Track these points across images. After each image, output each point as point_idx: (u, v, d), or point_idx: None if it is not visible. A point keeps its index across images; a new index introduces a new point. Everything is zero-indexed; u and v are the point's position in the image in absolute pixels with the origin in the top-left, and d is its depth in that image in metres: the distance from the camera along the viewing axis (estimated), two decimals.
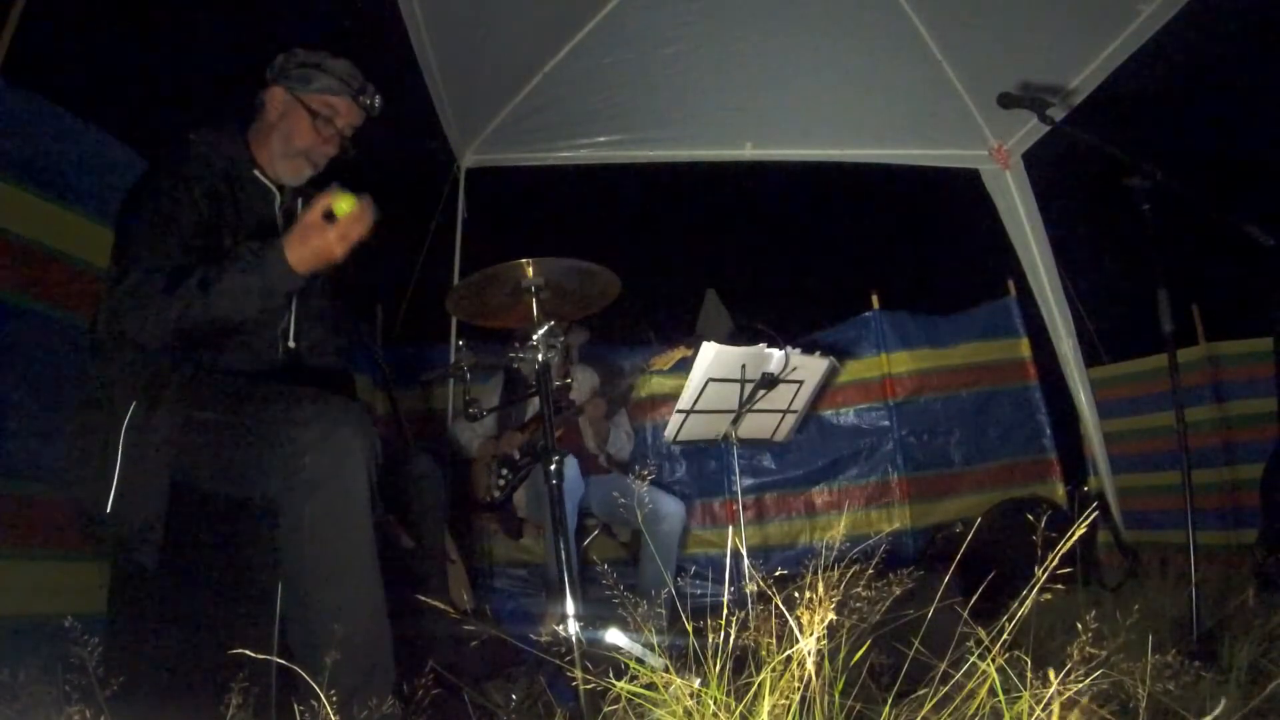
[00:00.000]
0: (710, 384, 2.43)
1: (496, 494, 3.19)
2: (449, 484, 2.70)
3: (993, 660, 1.05)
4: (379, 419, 3.39)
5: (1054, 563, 1.08)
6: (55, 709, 1.16)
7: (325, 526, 1.46)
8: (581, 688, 1.34)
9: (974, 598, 1.25)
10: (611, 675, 1.19)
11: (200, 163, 1.77)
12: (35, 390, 2.00)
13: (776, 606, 1.13)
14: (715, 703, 1.11)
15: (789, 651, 1.07)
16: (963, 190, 4.27)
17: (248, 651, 1.19)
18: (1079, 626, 1.07)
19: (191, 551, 1.66)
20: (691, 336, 4.08)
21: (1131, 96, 3.72)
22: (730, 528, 4.03)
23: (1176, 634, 1.89)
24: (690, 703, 1.11)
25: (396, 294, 4.04)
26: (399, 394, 3.01)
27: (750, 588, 1.41)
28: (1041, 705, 1.00)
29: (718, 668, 1.14)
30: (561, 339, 1.81)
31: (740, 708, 1.10)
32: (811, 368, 2.61)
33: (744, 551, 1.50)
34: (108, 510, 1.56)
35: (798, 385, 2.64)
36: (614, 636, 1.48)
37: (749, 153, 4.23)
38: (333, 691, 1.12)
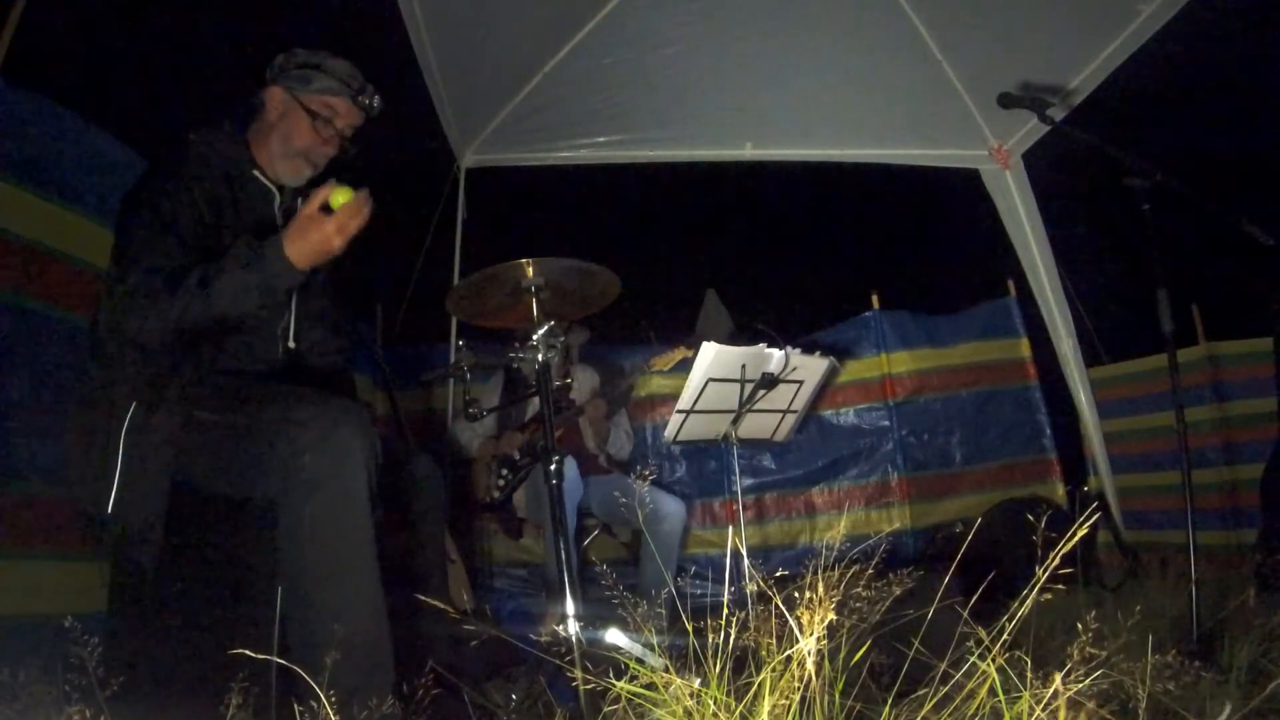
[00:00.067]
0: (710, 384, 2.43)
1: (496, 494, 3.19)
2: (449, 484, 2.71)
3: (993, 660, 1.05)
4: (379, 419, 3.39)
5: (1054, 563, 1.08)
6: (55, 709, 1.16)
7: (325, 526, 1.46)
8: (581, 688, 1.34)
9: (974, 598, 1.25)
10: (611, 675, 1.19)
11: (200, 163, 1.77)
12: (35, 390, 2.00)
13: (776, 606, 1.13)
14: (715, 703, 1.11)
15: (789, 651, 1.07)
16: (963, 190, 4.27)
17: (248, 651, 1.19)
18: (1079, 626, 1.07)
19: (191, 551, 1.66)
20: (692, 336, 4.08)
21: (1131, 96, 3.72)
22: (730, 528, 4.03)
23: (1176, 634, 1.89)
24: (690, 703, 1.11)
25: (396, 294, 4.04)
26: (399, 394, 3.01)
27: (750, 588, 1.41)
28: (1042, 705, 1.00)
29: (718, 668, 1.14)
30: (561, 339, 1.81)
31: (740, 708, 1.10)
32: (811, 368, 2.61)
33: (744, 551, 1.50)
34: (108, 510, 1.56)
35: (798, 385, 2.64)
36: (614, 636, 1.48)
37: (749, 153, 4.23)
38: (332, 691, 1.12)
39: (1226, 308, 4.08)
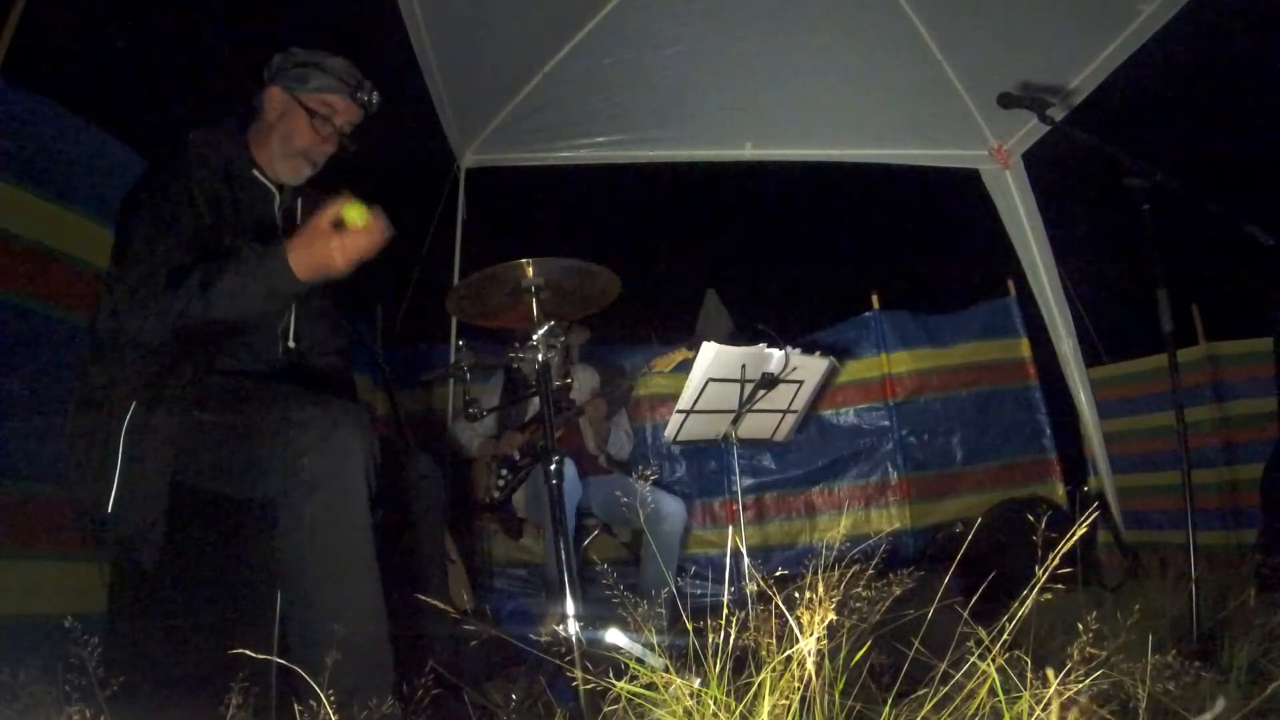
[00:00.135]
0: (710, 384, 2.43)
1: (496, 494, 3.18)
2: (449, 484, 2.71)
3: (993, 660, 1.05)
4: (379, 419, 3.39)
5: (1054, 563, 1.08)
6: (55, 709, 1.16)
7: (324, 527, 1.46)
8: (581, 688, 1.34)
9: (974, 598, 1.25)
10: (611, 675, 1.19)
11: (200, 163, 1.76)
12: (35, 390, 2.00)
13: (776, 606, 1.13)
14: (715, 703, 1.11)
15: (789, 651, 1.07)
16: (963, 190, 4.27)
17: (248, 651, 1.19)
18: (1079, 626, 1.07)
19: (191, 551, 1.66)
20: (692, 337, 4.08)
21: (1131, 96, 3.72)
22: (730, 528, 4.03)
23: (1176, 634, 1.89)
24: (690, 703, 1.11)
25: (396, 294, 4.04)
26: (399, 394, 3.01)
27: (750, 588, 1.41)
28: (1041, 705, 1.00)
29: (718, 668, 1.14)
30: (561, 339, 1.81)
31: (740, 708, 1.10)
32: (811, 368, 2.61)
33: (744, 551, 1.50)
34: (108, 510, 1.56)
35: (798, 385, 2.63)
36: (614, 636, 1.48)
37: (749, 153, 4.23)
38: (332, 691, 1.12)
39: (1226, 308, 4.08)
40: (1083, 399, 4.05)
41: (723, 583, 1.33)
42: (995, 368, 4.35)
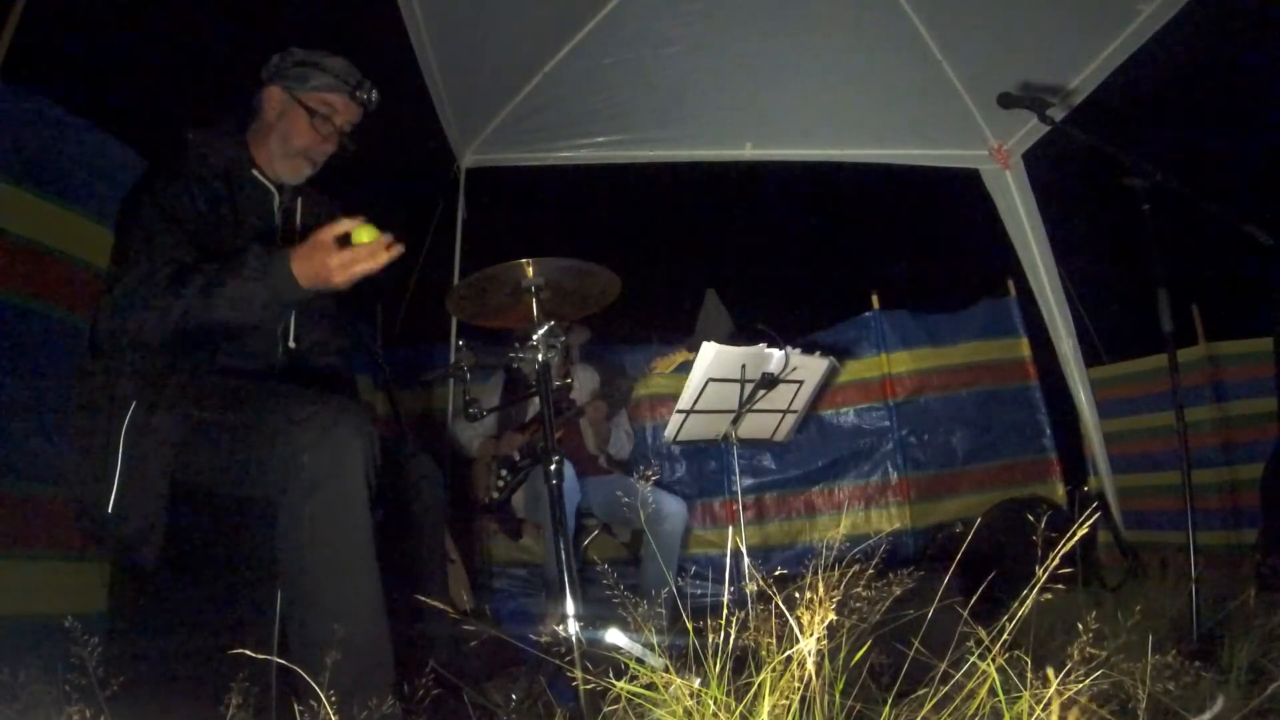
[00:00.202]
0: (710, 384, 2.43)
1: (496, 495, 3.19)
2: (449, 484, 2.71)
3: (993, 660, 1.05)
4: (379, 419, 3.39)
5: (1054, 563, 1.08)
6: (55, 709, 1.16)
7: (324, 525, 1.46)
8: (581, 688, 1.34)
9: (974, 598, 1.25)
10: (611, 675, 1.19)
11: (199, 163, 1.77)
12: (35, 390, 2.00)
13: (776, 606, 1.13)
14: (715, 703, 1.11)
15: (789, 651, 1.07)
16: (963, 190, 4.27)
17: (248, 651, 1.19)
18: (1079, 626, 1.07)
19: (191, 551, 1.66)
20: (692, 337, 4.08)
21: (1131, 96, 3.72)
22: (730, 528, 4.03)
23: (1176, 634, 1.89)
24: (690, 703, 1.11)
25: (396, 294, 4.04)
26: (399, 394, 3.01)
27: (750, 588, 1.41)
28: (1041, 705, 1.00)
29: (718, 668, 1.14)
30: (561, 339, 1.81)
31: (740, 708, 1.10)
32: (811, 368, 2.61)
33: (744, 551, 1.50)
34: (108, 510, 1.56)
35: (798, 385, 2.63)
36: (614, 636, 1.48)
37: (749, 153, 4.23)
38: (332, 691, 1.12)
39: (1226, 308, 4.08)
40: (1083, 399, 4.06)
41: (723, 583, 1.34)
42: (995, 367, 4.35)
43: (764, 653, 1.12)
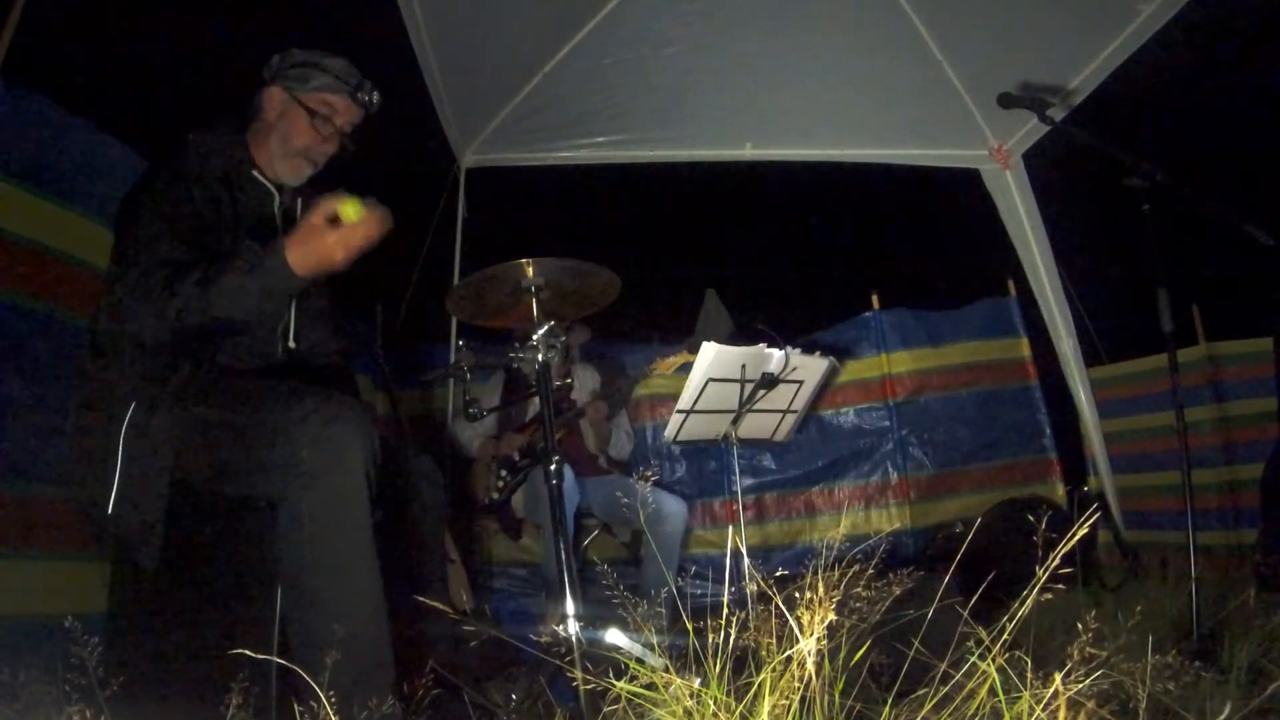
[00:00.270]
0: (710, 384, 2.43)
1: (496, 495, 3.19)
2: (449, 484, 2.71)
3: (993, 660, 1.05)
4: (379, 419, 3.39)
5: (1054, 563, 1.08)
6: (55, 709, 1.16)
7: (324, 521, 1.46)
8: (581, 688, 1.34)
9: (974, 598, 1.25)
10: (611, 675, 1.19)
11: (199, 163, 1.77)
12: (35, 390, 2.00)
13: (776, 606, 1.13)
14: (715, 703, 1.11)
15: (789, 651, 1.07)
16: (963, 190, 4.27)
17: (248, 651, 1.19)
18: (1079, 626, 1.07)
19: (191, 551, 1.66)
20: (692, 337, 4.08)
21: (1131, 96, 3.72)
22: (730, 528, 4.03)
23: (1176, 634, 1.89)
24: (690, 703, 1.11)
25: (396, 294, 4.04)
26: (399, 394, 3.01)
27: (750, 588, 1.41)
28: (1042, 705, 1.00)
29: (718, 668, 1.14)
30: (562, 339, 1.81)
31: (740, 708, 1.10)
32: (811, 368, 2.61)
33: (744, 551, 1.50)
34: (108, 510, 1.56)
35: (798, 385, 2.63)
36: (614, 636, 1.48)
37: (749, 153, 4.23)
38: (332, 691, 1.12)
39: (1226, 308, 4.08)
40: (1083, 399, 4.05)
41: (723, 583, 1.33)
42: (995, 367, 4.35)
43: (764, 653, 1.12)
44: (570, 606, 1.53)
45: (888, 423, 4.24)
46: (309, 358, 1.89)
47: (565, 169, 4.23)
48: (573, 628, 1.48)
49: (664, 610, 1.34)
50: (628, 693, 1.14)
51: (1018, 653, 1.07)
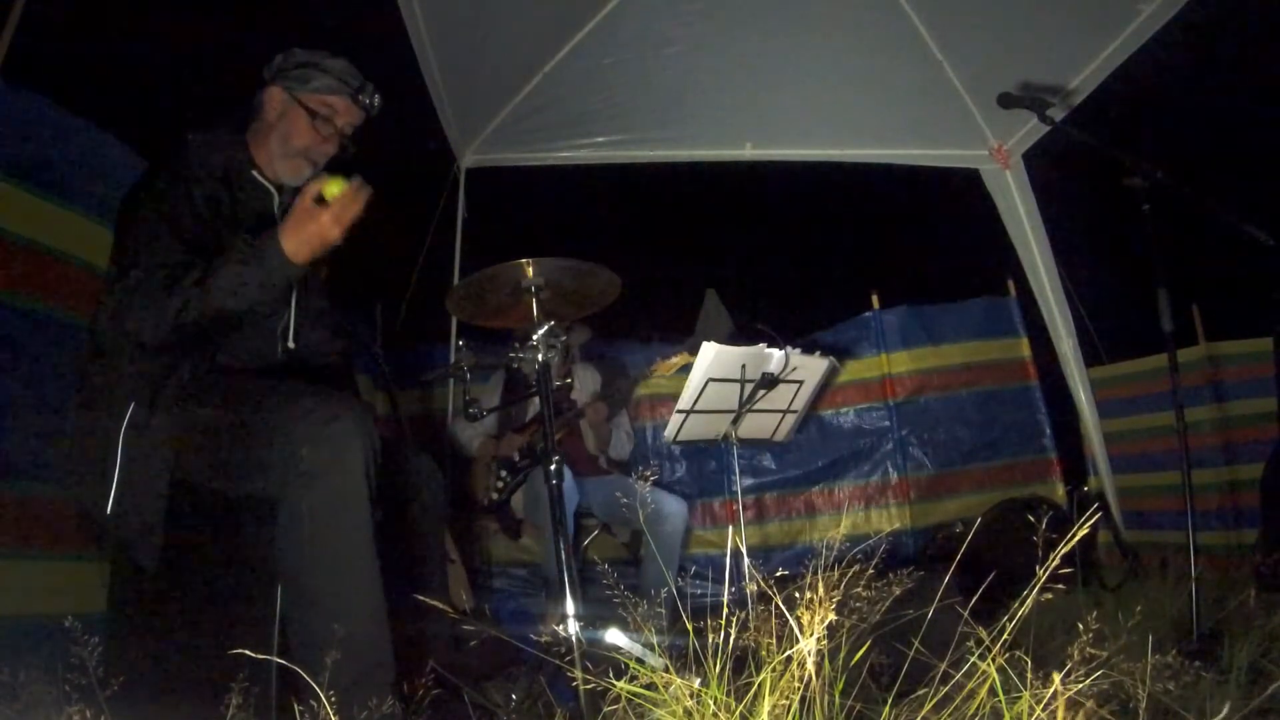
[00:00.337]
0: (710, 384, 2.43)
1: (495, 496, 3.19)
2: (449, 484, 2.71)
3: (993, 660, 1.05)
4: (379, 419, 3.39)
5: (1054, 563, 1.08)
6: (55, 709, 1.16)
7: (324, 521, 1.46)
8: (581, 688, 1.34)
9: (974, 598, 1.25)
10: (611, 675, 1.19)
11: (199, 163, 1.77)
12: (35, 390, 2.00)
13: (776, 606, 1.13)
14: (715, 703, 1.11)
15: (789, 652, 1.07)
16: (963, 190, 4.27)
17: (248, 651, 1.19)
18: (1079, 626, 1.07)
19: (191, 551, 1.66)
20: (692, 337, 4.08)
21: (1131, 96, 3.72)
22: (730, 528, 4.03)
23: (1176, 634, 1.89)
24: (690, 703, 1.11)
25: (396, 294, 4.04)
26: (399, 394, 3.01)
27: (750, 588, 1.41)
28: (1042, 705, 1.00)
29: (718, 668, 1.14)
30: (562, 339, 1.81)
31: (740, 708, 1.10)
32: (811, 368, 2.61)
33: (744, 551, 1.50)
34: (108, 510, 1.56)
35: (798, 385, 2.63)
36: (614, 636, 1.48)
37: (749, 153, 4.23)
38: (332, 691, 1.12)
39: (1226, 308, 4.08)
40: (1083, 399, 4.05)
41: (723, 583, 1.33)
42: (995, 367, 4.34)
43: (764, 653, 1.12)
44: (570, 606, 1.53)
45: (888, 423, 4.23)
46: (309, 358, 1.89)
47: (565, 169, 4.23)
48: (573, 628, 1.48)
49: (664, 610, 1.34)
50: (628, 693, 1.14)
51: (1018, 653, 1.07)
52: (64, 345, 2.06)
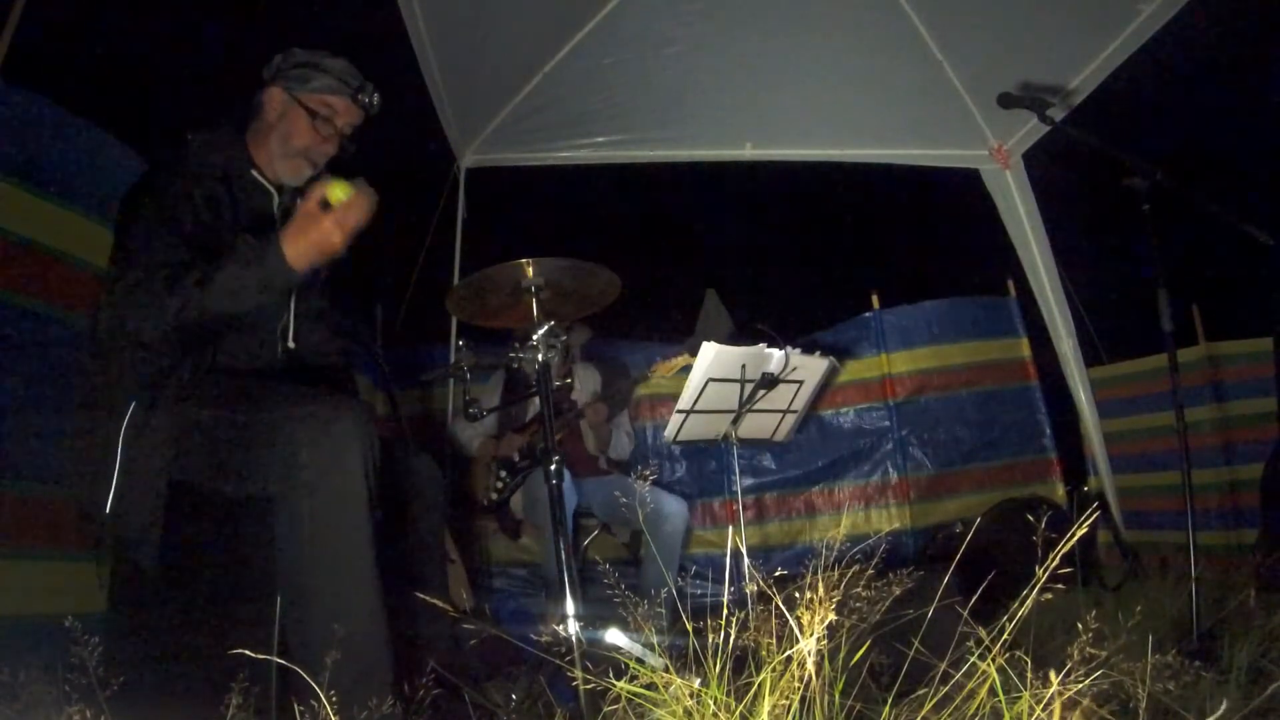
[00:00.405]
0: (710, 384, 2.43)
1: (495, 497, 3.19)
2: (449, 484, 2.71)
3: (993, 660, 1.05)
4: (379, 419, 3.40)
5: (1054, 563, 1.08)
6: (55, 709, 1.16)
7: (323, 524, 1.46)
8: (581, 688, 1.34)
9: (974, 598, 1.25)
10: (611, 675, 1.19)
11: (199, 163, 1.77)
12: (35, 390, 2.00)
13: (776, 606, 1.13)
14: (715, 703, 1.11)
15: (789, 652, 1.07)
16: (963, 190, 4.27)
17: (248, 651, 1.19)
18: (1079, 626, 1.07)
19: (191, 551, 1.66)
20: (692, 338, 4.08)
21: (1131, 96, 3.72)
22: (730, 528, 4.03)
23: (1176, 634, 1.89)
24: (690, 703, 1.11)
25: (396, 294, 4.04)
26: (399, 394, 3.01)
27: (750, 588, 1.41)
28: (1042, 705, 1.00)
29: (718, 668, 1.14)
30: (562, 339, 1.81)
31: (740, 708, 1.10)
32: (811, 368, 2.61)
33: (744, 551, 1.50)
34: (107, 510, 1.56)
35: (798, 385, 2.63)
36: (614, 636, 1.48)
37: (749, 153, 4.23)
38: (333, 692, 1.12)
39: (1226, 308, 4.09)
40: (1083, 399, 4.05)
41: (723, 582, 1.33)
42: (995, 368, 4.34)
43: (764, 653, 1.12)
44: (570, 606, 1.53)
45: (888, 423, 4.23)
46: (308, 358, 1.89)
47: (565, 169, 4.23)
48: (573, 628, 1.48)
49: (664, 610, 1.34)
50: (628, 693, 1.14)
51: (1018, 653, 1.07)
52: (64, 345, 2.06)
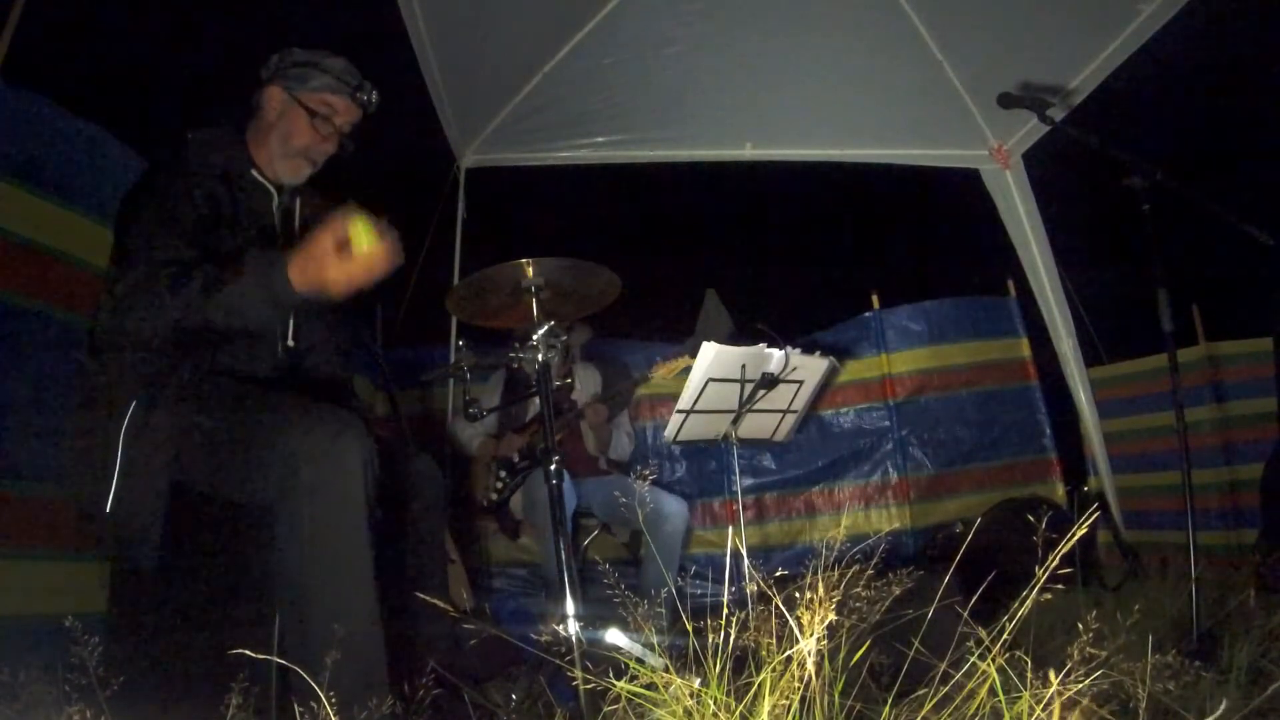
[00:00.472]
0: (710, 384, 2.43)
1: (495, 497, 3.19)
2: (449, 484, 2.71)
3: (993, 660, 1.05)
4: (379, 419, 3.39)
5: (1054, 563, 1.08)
6: (55, 709, 1.16)
7: (321, 541, 1.44)
8: (581, 688, 1.34)
9: (974, 598, 1.25)
10: (611, 675, 1.19)
11: (199, 163, 1.77)
12: (35, 390, 2.00)
13: (776, 606, 1.13)
14: (715, 703, 1.11)
15: (789, 652, 1.07)
16: (963, 190, 4.27)
17: (248, 651, 1.19)
18: (1079, 626, 1.07)
19: (191, 551, 1.66)
20: (692, 338, 4.08)
21: (1131, 96, 3.72)
22: (730, 528, 4.03)
23: (1176, 634, 1.89)
24: (690, 703, 1.11)
25: (396, 294, 4.04)
26: (399, 394, 3.01)
27: (750, 588, 1.41)
28: (1042, 705, 1.00)
29: (718, 668, 1.14)
30: (562, 339, 1.81)
31: (740, 708, 1.10)
32: (811, 368, 2.61)
33: (744, 551, 1.50)
34: (107, 510, 1.55)
35: (798, 385, 2.64)
36: (614, 636, 1.48)
37: (749, 153, 4.23)
38: (332, 694, 1.12)
39: (1226, 308, 4.09)
40: (1083, 399, 4.06)
41: (723, 582, 1.33)
42: (995, 368, 4.34)
43: (764, 653, 1.12)
44: (570, 606, 1.53)
45: (888, 423, 4.23)
46: (308, 358, 1.89)
47: (565, 169, 4.23)
48: (573, 628, 1.48)
49: (664, 610, 1.34)
50: (628, 693, 1.14)
51: (1018, 653, 1.07)
52: (64, 345, 2.06)
